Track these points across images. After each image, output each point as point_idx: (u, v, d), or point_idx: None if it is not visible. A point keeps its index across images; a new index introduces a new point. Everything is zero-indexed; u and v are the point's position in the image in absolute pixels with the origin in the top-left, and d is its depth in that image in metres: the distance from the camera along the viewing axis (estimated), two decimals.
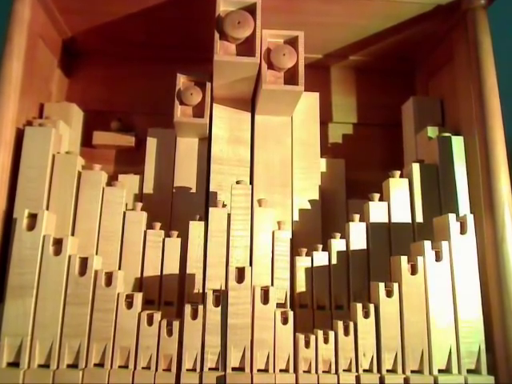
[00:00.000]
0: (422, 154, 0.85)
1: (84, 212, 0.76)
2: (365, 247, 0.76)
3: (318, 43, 0.93)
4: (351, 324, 0.66)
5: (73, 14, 0.86)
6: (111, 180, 0.80)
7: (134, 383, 0.63)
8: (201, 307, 0.66)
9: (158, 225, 0.77)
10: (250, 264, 0.74)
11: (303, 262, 0.76)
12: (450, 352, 0.66)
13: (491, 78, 0.75)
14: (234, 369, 0.65)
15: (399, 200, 0.78)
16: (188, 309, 0.66)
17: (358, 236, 0.76)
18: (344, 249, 0.76)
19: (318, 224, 0.84)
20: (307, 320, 0.73)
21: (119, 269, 0.74)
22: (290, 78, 0.79)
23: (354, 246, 0.76)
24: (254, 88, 0.85)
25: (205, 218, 0.78)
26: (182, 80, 0.84)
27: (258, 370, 0.65)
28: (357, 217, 0.77)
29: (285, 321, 0.66)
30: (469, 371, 0.66)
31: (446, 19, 0.85)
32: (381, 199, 0.78)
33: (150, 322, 0.65)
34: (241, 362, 0.65)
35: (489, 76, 0.75)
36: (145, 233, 0.76)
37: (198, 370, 0.64)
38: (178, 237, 0.77)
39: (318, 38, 0.91)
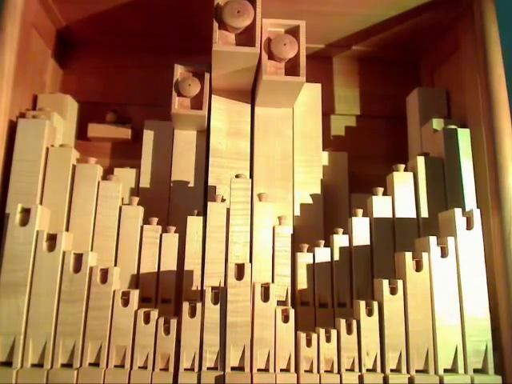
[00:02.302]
0: (427, 146, 0.84)
1: (79, 207, 0.74)
2: (368, 243, 0.75)
3: (319, 33, 0.91)
4: (354, 322, 0.65)
5: (67, 2, 0.85)
6: (107, 174, 0.78)
7: (131, 383, 0.62)
8: (199, 305, 0.65)
9: (155, 220, 0.76)
10: (250, 260, 0.73)
11: (305, 259, 0.75)
12: (456, 351, 0.65)
13: (498, 69, 0.74)
14: (233, 368, 0.64)
15: (404, 194, 0.77)
16: (186, 306, 0.65)
17: (361, 231, 0.75)
18: (347, 244, 0.75)
19: (320, 219, 0.83)
20: (309, 318, 0.72)
21: (115, 265, 0.73)
22: (291, 68, 0.78)
23: (357, 242, 0.75)
24: (254, 79, 0.84)
25: (203, 212, 0.77)
26: (179, 70, 0.83)
27: (258, 370, 0.64)
28: (360, 211, 0.76)
29: (286, 319, 0.65)
30: (475, 371, 0.65)
31: (451, 7, 0.83)
32: (385, 193, 0.77)
33: (147, 320, 0.65)
34: (240, 362, 0.64)
35: (496, 66, 0.74)
36: (141, 228, 0.75)
37: (197, 369, 0.64)
38: (175, 232, 0.76)
39: (320, 27, 0.89)
